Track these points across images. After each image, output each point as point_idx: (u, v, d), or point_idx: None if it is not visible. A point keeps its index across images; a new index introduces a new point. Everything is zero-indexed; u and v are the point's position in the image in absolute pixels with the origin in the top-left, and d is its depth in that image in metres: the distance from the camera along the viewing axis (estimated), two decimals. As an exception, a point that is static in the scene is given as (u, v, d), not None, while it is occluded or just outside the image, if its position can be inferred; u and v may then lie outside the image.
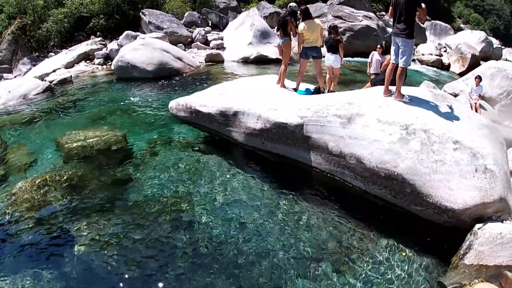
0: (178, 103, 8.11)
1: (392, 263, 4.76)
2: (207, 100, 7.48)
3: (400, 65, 5.98)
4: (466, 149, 4.91)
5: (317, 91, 7.23)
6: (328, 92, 7.81)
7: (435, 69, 22.79)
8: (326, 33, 8.66)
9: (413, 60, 24.32)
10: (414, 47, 30.53)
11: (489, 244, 4.41)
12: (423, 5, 5.56)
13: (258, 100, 6.83)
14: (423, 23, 6.11)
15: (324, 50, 7.87)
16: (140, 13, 21.80)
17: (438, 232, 4.99)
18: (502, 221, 4.71)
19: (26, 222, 5.40)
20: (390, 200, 5.33)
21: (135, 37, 18.29)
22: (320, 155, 5.98)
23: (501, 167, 4.87)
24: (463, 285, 4.29)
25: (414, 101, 5.93)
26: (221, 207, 5.70)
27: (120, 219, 5.43)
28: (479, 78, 10.40)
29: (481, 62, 22.89)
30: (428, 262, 4.76)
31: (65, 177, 6.49)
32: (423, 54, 28.06)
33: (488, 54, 27.59)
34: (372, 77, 9.38)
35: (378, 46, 9.74)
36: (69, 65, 17.43)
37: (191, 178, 6.53)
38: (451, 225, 4.85)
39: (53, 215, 5.57)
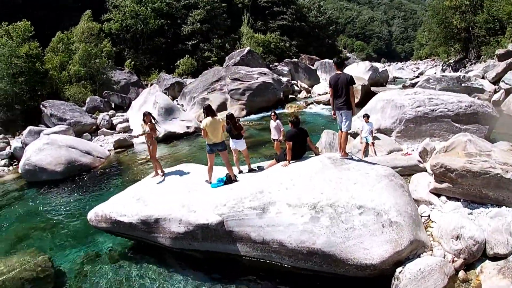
0: (97, 214, 7.94)
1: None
2: (125, 209, 7.49)
3: (344, 130, 7.58)
4: (370, 210, 5.72)
5: (229, 179, 7.69)
6: (239, 173, 8.36)
7: (331, 107, 24.83)
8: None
9: (312, 103, 26.49)
10: (311, 89, 33.24)
11: (412, 282, 5.17)
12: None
13: (175, 203, 7.09)
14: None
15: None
16: (41, 106, 21.00)
17: (368, 283, 5.59)
18: (419, 256, 5.57)
19: None
20: (318, 269, 5.88)
21: (38, 133, 17.58)
22: (246, 244, 6.36)
23: (405, 214, 5.72)
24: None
25: (318, 172, 6.72)
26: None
27: None
28: (367, 117, 11.34)
29: (371, 88, 25.76)
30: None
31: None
32: (319, 94, 30.66)
33: (376, 80, 31.11)
34: (275, 143, 10.17)
35: (272, 113, 10.52)
36: (-28, 168, 16.00)
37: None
38: (376, 275, 5.47)
39: None
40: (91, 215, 8.09)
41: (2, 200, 12.35)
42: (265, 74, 27.13)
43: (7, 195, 12.87)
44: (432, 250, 5.74)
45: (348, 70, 31.98)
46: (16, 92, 22.13)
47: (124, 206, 7.63)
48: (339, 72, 7.54)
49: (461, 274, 5.38)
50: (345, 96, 7.33)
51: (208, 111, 7.74)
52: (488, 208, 6.43)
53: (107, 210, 7.79)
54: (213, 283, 6.55)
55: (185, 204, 6.94)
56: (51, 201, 11.80)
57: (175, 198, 7.26)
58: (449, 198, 6.98)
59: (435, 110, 11.42)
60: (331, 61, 41.96)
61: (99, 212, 7.94)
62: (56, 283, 7.11)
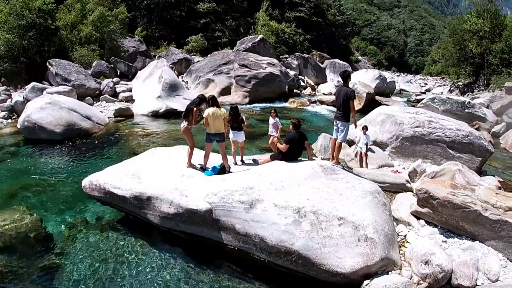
0: (92, 183, 8.20)
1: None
2: (120, 182, 7.75)
3: (338, 140, 8.19)
4: (349, 223, 6.07)
5: (223, 169, 7.98)
6: (234, 164, 8.64)
7: (333, 108, 25.06)
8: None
9: (315, 102, 26.65)
10: (317, 87, 33.30)
11: (377, 296, 5.47)
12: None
13: (169, 184, 7.37)
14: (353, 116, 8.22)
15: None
16: (47, 63, 20.98)
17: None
18: (387, 273, 5.92)
19: None
20: (292, 268, 6.22)
21: (41, 90, 17.68)
22: (229, 234, 6.69)
23: (381, 232, 6.07)
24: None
25: (308, 178, 7.05)
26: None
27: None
28: (365, 128, 11.64)
29: (376, 97, 25.95)
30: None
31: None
32: (324, 94, 30.81)
33: (382, 90, 31.24)
34: (272, 138, 10.35)
35: (272, 110, 10.67)
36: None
37: (111, 263, 6.79)
38: (345, 283, 5.85)
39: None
40: (85, 182, 8.33)
41: (-2, 153, 12.43)
42: (273, 65, 27.20)
43: (3, 149, 12.99)
44: (401, 270, 6.10)
45: (356, 76, 32.16)
46: (24, 45, 22.04)
47: (119, 179, 7.88)
48: (343, 85, 7.99)
49: (424, 297, 5.75)
50: (343, 109, 7.88)
51: (213, 101, 7.96)
52: (463, 240, 6.76)
53: (102, 180, 8.04)
54: (192, 264, 6.87)
55: (178, 187, 7.23)
56: (46, 161, 11.98)
57: (169, 180, 7.53)
58: (427, 222, 7.31)
59: (433, 133, 11.59)
60: (341, 62, 42.07)
61: (93, 181, 8.18)
62: (45, 244, 7.35)
